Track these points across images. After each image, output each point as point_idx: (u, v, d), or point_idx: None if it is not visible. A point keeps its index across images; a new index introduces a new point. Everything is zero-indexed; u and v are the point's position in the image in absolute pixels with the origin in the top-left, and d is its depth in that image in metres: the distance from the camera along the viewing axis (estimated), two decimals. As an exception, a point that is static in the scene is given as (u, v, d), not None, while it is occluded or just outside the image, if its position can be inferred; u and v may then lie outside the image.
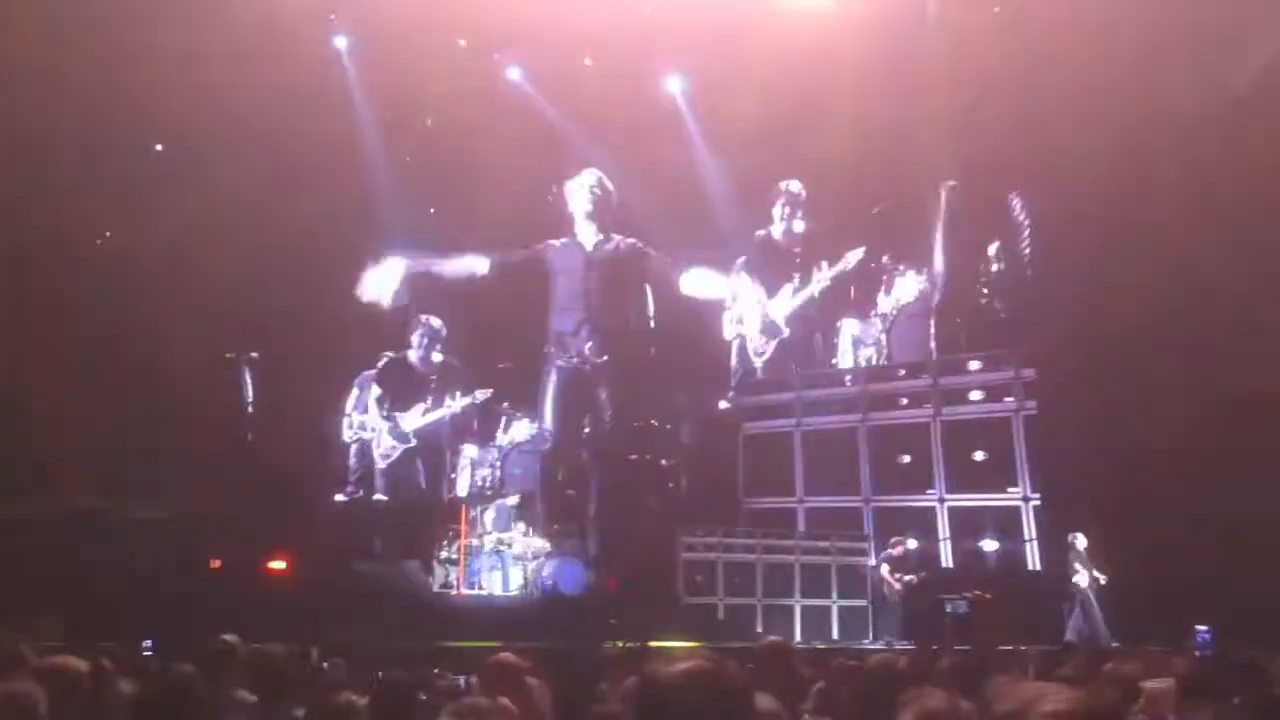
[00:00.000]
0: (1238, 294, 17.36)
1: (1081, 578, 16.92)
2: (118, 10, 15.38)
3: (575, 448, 19.57)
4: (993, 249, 19.65)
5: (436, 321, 19.05)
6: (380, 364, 18.74)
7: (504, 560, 17.28)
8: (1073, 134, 17.47)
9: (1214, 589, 16.24)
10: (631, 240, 20.57)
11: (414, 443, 18.53)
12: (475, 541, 17.53)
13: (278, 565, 15.40)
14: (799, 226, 21.23)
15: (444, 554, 17.38)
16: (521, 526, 17.72)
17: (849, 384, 19.90)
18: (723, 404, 21.27)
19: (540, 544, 17.58)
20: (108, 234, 16.07)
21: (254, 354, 15.72)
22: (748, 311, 21.29)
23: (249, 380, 15.61)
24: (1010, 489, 17.91)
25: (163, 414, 15.37)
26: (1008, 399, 17.99)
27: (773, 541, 18.49)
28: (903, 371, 19.27)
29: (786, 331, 20.91)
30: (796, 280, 21.11)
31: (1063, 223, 18.47)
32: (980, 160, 19.18)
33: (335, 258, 17.93)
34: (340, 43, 19.47)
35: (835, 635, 17.99)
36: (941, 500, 18.40)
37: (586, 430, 19.72)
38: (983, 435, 17.80)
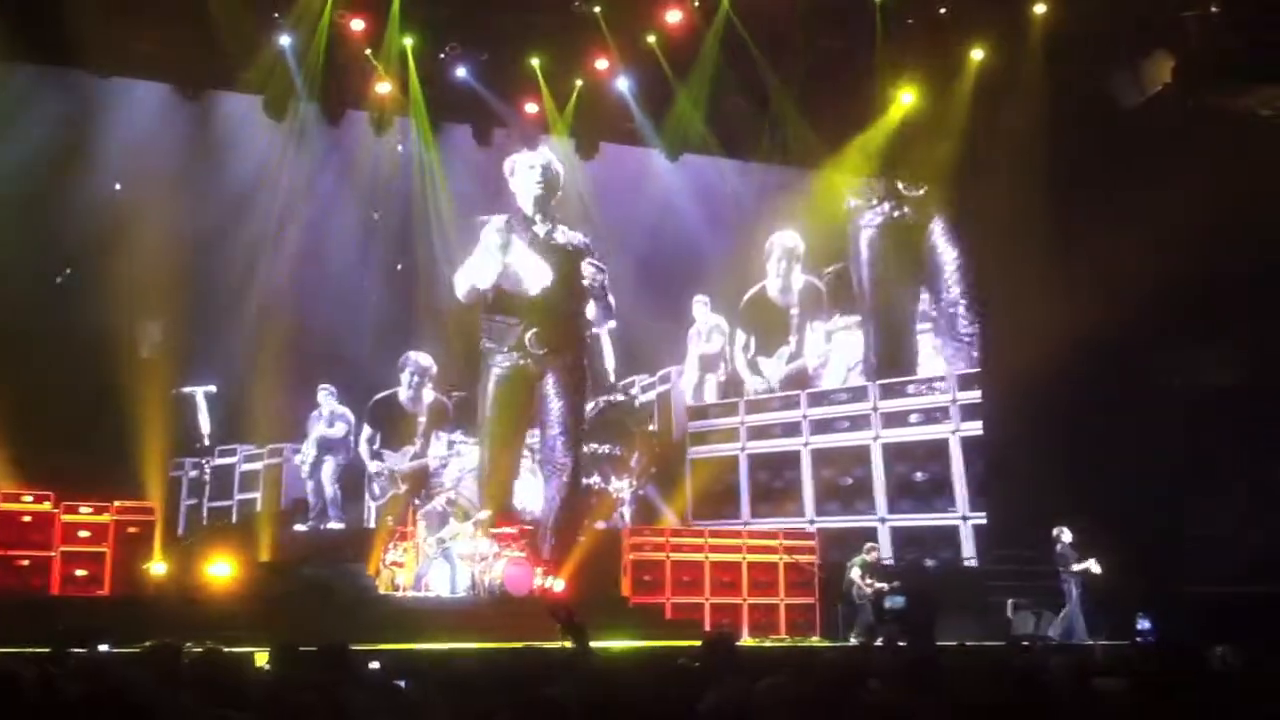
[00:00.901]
0: (1187, 298, 17.72)
1: (1072, 572, 17.23)
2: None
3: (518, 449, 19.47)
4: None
5: (425, 359, 19.10)
6: (370, 403, 18.77)
7: (451, 561, 17.23)
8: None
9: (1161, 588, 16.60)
10: (578, 234, 20.71)
11: (404, 487, 18.67)
12: (421, 544, 17.51)
13: (220, 571, 15.36)
14: (798, 282, 21.20)
15: (390, 556, 17.35)
16: (464, 526, 17.67)
17: (790, 404, 20.24)
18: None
19: (487, 545, 17.54)
20: (68, 270, 16.46)
21: (211, 388, 16.29)
22: (729, 353, 21.27)
23: (205, 412, 16.29)
24: (949, 509, 18.37)
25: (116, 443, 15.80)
26: (946, 421, 18.43)
27: (720, 540, 18.60)
28: (845, 396, 19.59)
29: (778, 388, 20.80)
30: (792, 344, 21.02)
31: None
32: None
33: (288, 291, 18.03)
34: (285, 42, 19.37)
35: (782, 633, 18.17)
36: (882, 519, 18.89)
37: (534, 431, 19.68)
38: (923, 457, 18.31)
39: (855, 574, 17.63)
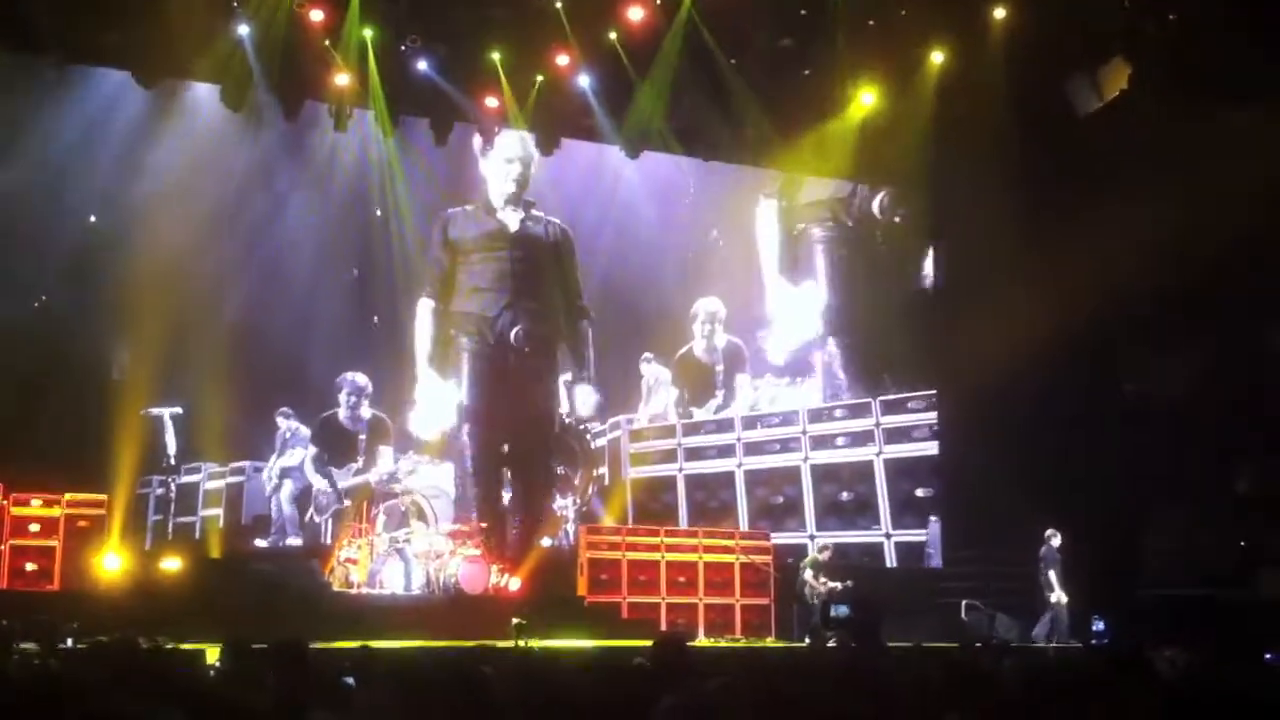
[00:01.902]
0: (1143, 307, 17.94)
1: (1054, 579, 17.40)
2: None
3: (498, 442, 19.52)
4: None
5: (361, 378, 19.09)
6: (315, 423, 18.90)
7: (406, 558, 17.16)
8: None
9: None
10: (557, 221, 20.58)
11: (347, 503, 18.68)
12: (375, 541, 17.44)
13: (171, 566, 15.24)
14: (721, 342, 21.53)
15: (344, 553, 17.26)
16: (420, 525, 17.63)
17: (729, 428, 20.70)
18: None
19: (443, 542, 17.49)
20: (43, 297, 17.02)
21: (178, 409, 16.90)
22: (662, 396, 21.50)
23: (171, 433, 16.88)
24: (873, 527, 18.99)
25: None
26: (871, 445, 19.09)
27: (677, 540, 18.64)
28: (778, 419, 20.16)
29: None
30: (720, 397, 21.38)
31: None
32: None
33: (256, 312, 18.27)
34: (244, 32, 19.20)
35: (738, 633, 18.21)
36: (812, 537, 19.32)
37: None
38: (849, 479, 19.07)
39: (808, 574, 17.72)
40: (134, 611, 13.80)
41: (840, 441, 19.24)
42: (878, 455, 19.00)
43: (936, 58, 19.52)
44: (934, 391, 19.29)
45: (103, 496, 16.30)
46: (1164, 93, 17.53)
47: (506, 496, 19.87)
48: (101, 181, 16.93)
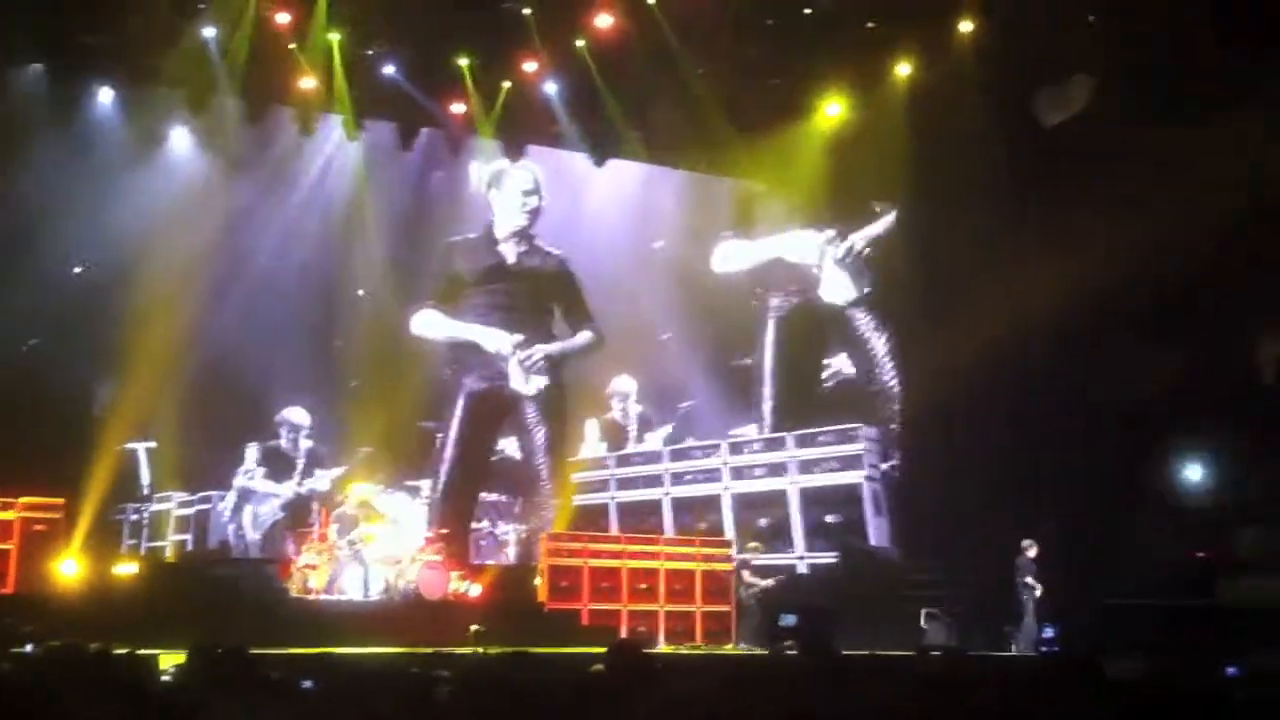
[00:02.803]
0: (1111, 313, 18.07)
1: (1025, 584, 17.49)
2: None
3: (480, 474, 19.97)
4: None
5: (296, 416, 19.31)
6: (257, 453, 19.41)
7: (365, 564, 17.03)
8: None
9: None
10: (556, 252, 20.52)
11: (284, 514, 18.91)
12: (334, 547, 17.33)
13: (127, 570, 15.12)
14: (635, 410, 22.01)
15: (303, 559, 17.15)
16: (379, 529, 17.47)
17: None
18: None
19: (402, 548, 17.35)
20: (34, 341, 17.86)
21: (152, 443, 17.81)
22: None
23: (146, 465, 17.76)
24: (788, 550, 19.77)
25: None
26: (857, 470, 19.78)
27: (637, 547, 18.63)
28: (699, 451, 21.01)
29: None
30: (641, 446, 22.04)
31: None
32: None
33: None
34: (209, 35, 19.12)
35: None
36: (802, 558, 19.73)
37: (516, 456, 20.21)
38: (764, 505, 20.12)
39: (745, 575, 17.88)
40: (89, 616, 13.67)
41: (759, 472, 20.24)
42: (792, 484, 19.92)
43: (903, 70, 19.62)
44: (855, 426, 19.93)
45: (60, 500, 16.15)
46: (1129, 105, 17.65)
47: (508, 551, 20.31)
48: (88, 231, 17.65)
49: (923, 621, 18.18)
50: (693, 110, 20.16)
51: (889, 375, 20.55)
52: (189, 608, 13.92)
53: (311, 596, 16.76)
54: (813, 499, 19.65)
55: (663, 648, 17.10)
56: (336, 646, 13.23)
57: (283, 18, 18.37)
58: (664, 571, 18.43)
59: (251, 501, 19.10)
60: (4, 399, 16.60)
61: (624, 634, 17.04)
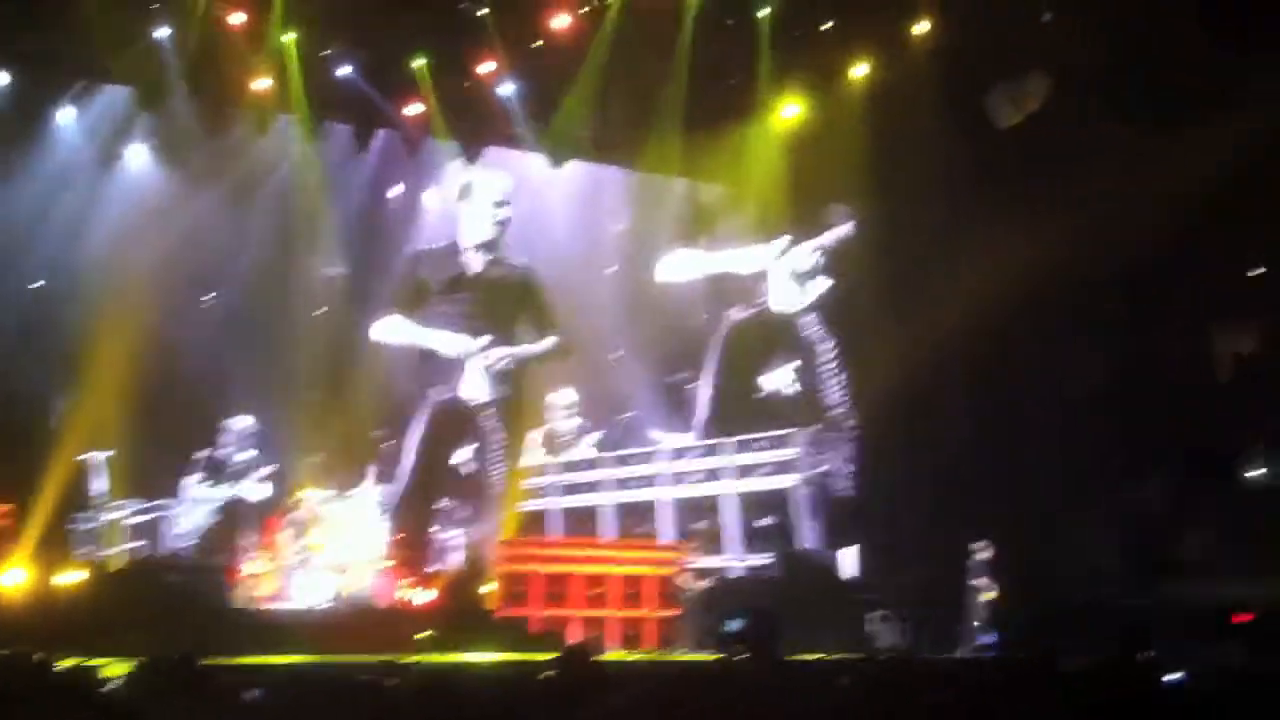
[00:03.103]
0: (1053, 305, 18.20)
1: (982, 589, 17.55)
2: None
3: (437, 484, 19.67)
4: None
5: (240, 424, 19.05)
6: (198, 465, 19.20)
7: (311, 571, 16.87)
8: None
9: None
10: (523, 262, 20.26)
11: (218, 519, 18.71)
12: (281, 554, 17.20)
13: (74, 577, 14.93)
14: (574, 422, 21.83)
15: (251, 566, 16.98)
16: (328, 536, 17.31)
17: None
18: None
19: (353, 556, 17.19)
20: None
21: (109, 453, 17.69)
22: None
23: (102, 475, 17.62)
24: (725, 553, 19.76)
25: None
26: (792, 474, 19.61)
27: (589, 553, 18.56)
28: (639, 457, 20.91)
29: None
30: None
31: None
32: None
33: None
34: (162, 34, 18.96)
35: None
36: (741, 561, 19.47)
37: (471, 464, 19.86)
38: (702, 510, 20.05)
39: (682, 580, 17.94)
40: (35, 625, 13.48)
41: (697, 477, 20.28)
42: (730, 489, 19.96)
43: (860, 70, 19.66)
44: (790, 431, 19.83)
45: (8, 505, 15.95)
46: (1083, 106, 17.79)
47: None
48: (51, 250, 17.99)
49: (873, 624, 18.20)
50: (650, 111, 20.13)
51: (834, 382, 20.73)
52: (136, 615, 13.69)
53: (259, 604, 16.58)
54: (750, 503, 19.74)
55: (613, 654, 16.99)
56: (285, 655, 13.11)
57: (237, 18, 18.20)
58: (615, 577, 18.33)
59: (189, 510, 18.96)
60: None
61: (575, 640, 16.95)
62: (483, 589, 17.58)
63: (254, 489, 18.84)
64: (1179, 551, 18.12)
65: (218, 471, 18.97)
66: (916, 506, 18.84)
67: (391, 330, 19.86)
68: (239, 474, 18.88)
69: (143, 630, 12.49)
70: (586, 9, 18.91)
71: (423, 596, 17.24)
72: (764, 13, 18.86)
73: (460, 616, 16.44)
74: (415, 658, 12.50)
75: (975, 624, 17.68)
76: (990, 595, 17.63)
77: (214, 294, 19.92)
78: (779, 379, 21.26)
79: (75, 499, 17.69)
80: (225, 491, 18.82)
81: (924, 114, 18.45)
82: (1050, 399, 18.96)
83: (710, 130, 20.47)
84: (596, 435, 21.73)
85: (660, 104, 20.00)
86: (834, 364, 20.76)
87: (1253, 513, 17.87)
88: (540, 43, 19.25)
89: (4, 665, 7.52)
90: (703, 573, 18.43)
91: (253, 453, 19.08)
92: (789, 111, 20.48)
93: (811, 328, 20.96)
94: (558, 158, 21.21)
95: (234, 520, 18.46)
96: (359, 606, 16.49)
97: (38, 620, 13.89)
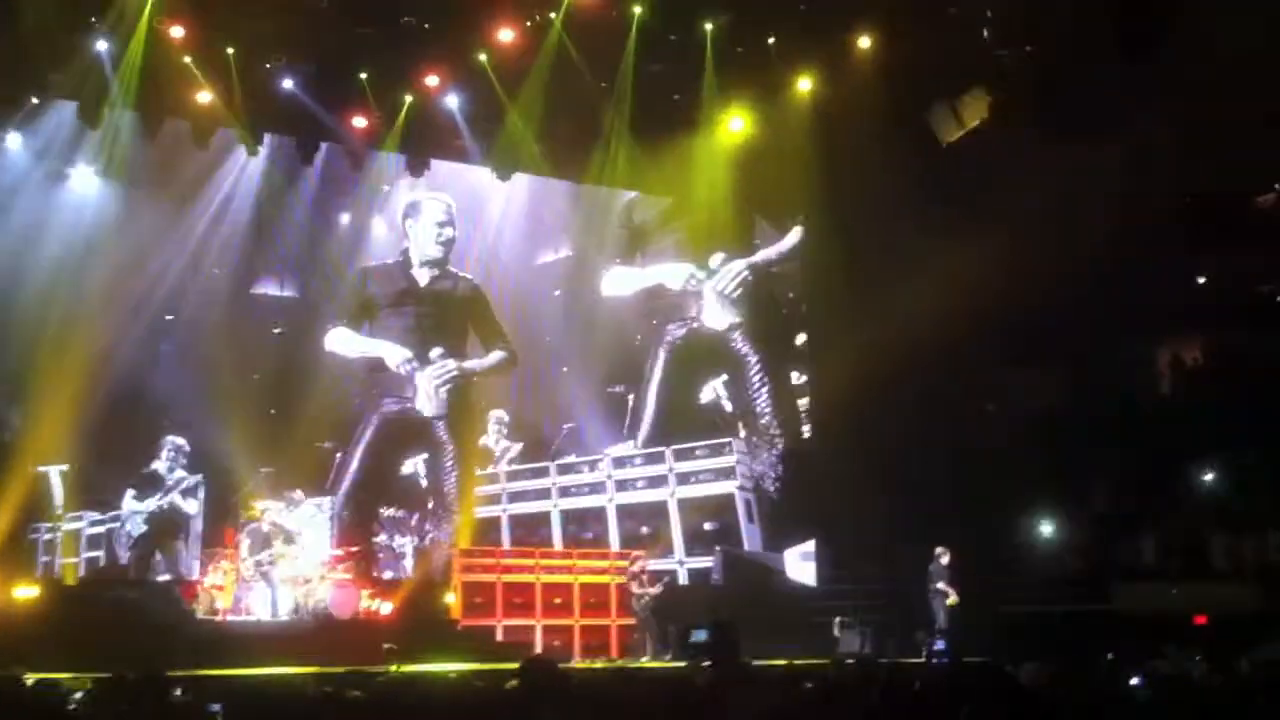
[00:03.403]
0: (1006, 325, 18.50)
1: (936, 589, 17.74)
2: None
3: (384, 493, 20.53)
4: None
5: (181, 440, 19.49)
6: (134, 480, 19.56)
7: (272, 583, 16.84)
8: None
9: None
10: (469, 277, 21.02)
11: (146, 529, 19.03)
12: (240, 566, 17.16)
13: (27, 593, 14.77)
14: (502, 444, 22.62)
15: (209, 580, 16.89)
16: (289, 548, 17.32)
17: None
18: None
19: (311, 568, 17.19)
20: None
21: (64, 466, 18.56)
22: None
23: (58, 487, 18.47)
24: (668, 556, 20.73)
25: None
26: (730, 480, 20.84)
27: (552, 561, 18.62)
28: (639, 459, 21.81)
29: None
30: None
31: None
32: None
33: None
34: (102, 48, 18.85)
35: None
36: (682, 563, 20.60)
37: (421, 473, 20.75)
38: (646, 515, 21.20)
39: (633, 587, 18.07)
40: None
41: (640, 484, 21.30)
42: (671, 496, 20.89)
43: (804, 85, 19.84)
44: (726, 440, 21.06)
45: None
46: (1023, 122, 18.06)
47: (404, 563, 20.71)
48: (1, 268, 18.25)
49: (836, 630, 18.40)
50: (595, 125, 20.21)
51: (761, 394, 21.58)
52: (91, 631, 13.65)
53: (219, 617, 16.52)
54: (690, 508, 20.64)
55: (577, 663, 17.08)
56: (245, 668, 13.05)
57: (177, 31, 18.07)
58: (578, 586, 18.42)
59: (125, 522, 19.25)
60: None
61: (538, 649, 17.02)
62: (445, 599, 17.64)
63: (182, 503, 19.06)
64: (1131, 557, 18.45)
65: (151, 485, 19.16)
66: (871, 513, 19.03)
67: (342, 341, 20.51)
68: (169, 489, 19.07)
69: (100, 646, 12.43)
70: (530, 23, 18.89)
71: (386, 607, 17.26)
72: (708, 28, 18.92)
73: (423, 627, 16.47)
74: (379, 669, 12.50)
75: (935, 628, 17.90)
76: (951, 600, 17.87)
77: (170, 316, 20.25)
78: (713, 391, 22.05)
79: (33, 510, 18.05)
80: (154, 504, 18.97)
81: (867, 128, 18.65)
82: (1000, 408, 19.27)
83: (655, 144, 20.56)
84: (517, 448, 22.41)
85: (605, 118, 20.08)
86: (760, 377, 21.55)
87: (1198, 519, 18.32)
88: (484, 56, 19.23)
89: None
90: (655, 577, 18.59)
91: (181, 471, 19.30)
92: (734, 125, 20.60)
93: (739, 343, 21.78)
94: (504, 170, 21.24)
95: (165, 531, 18.81)
96: (320, 618, 16.46)
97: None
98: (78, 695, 9.36)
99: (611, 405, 22.56)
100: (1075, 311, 18.82)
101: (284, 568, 16.95)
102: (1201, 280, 20.06)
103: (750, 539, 20.56)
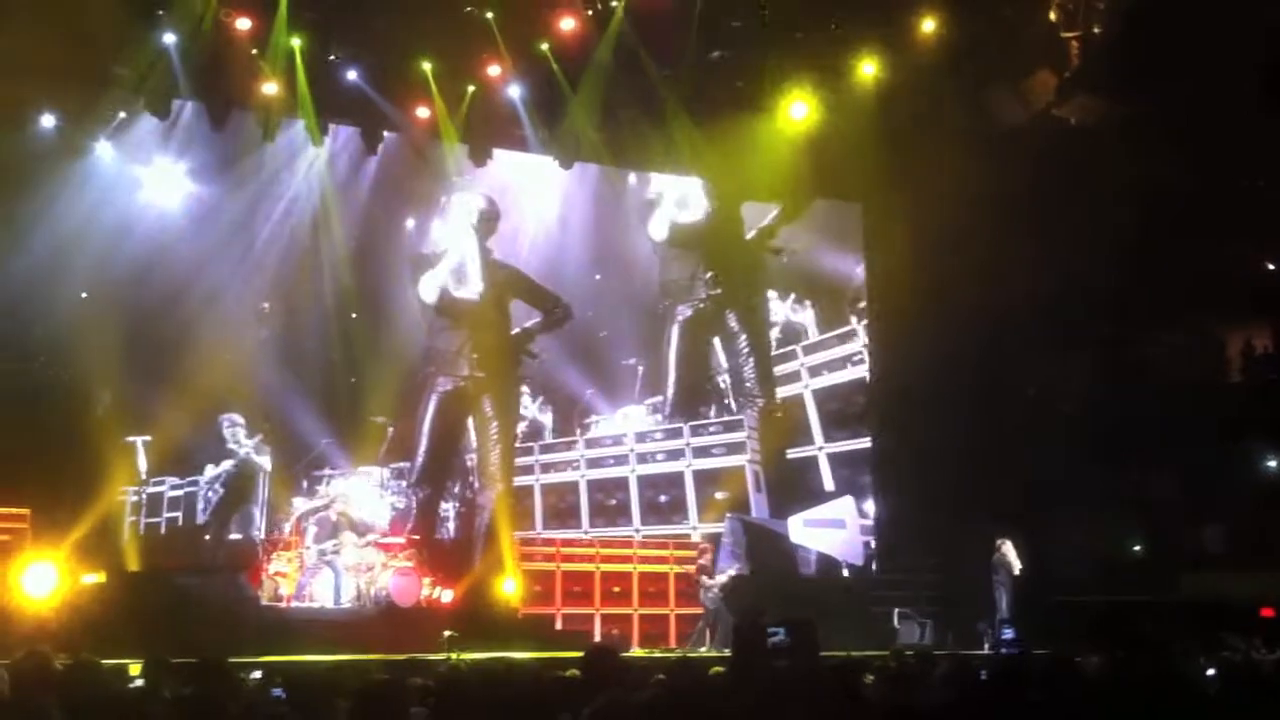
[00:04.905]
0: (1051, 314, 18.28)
1: (1000, 580, 17.64)
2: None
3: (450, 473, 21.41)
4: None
5: (235, 415, 20.41)
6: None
7: (336, 571, 16.99)
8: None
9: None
10: (506, 264, 21.93)
11: (222, 491, 20.09)
12: (304, 554, 17.34)
13: (92, 580, 14.98)
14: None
15: (273, 566, 17.07)
16: (352, 536, 17.49)
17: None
18: None
19: (374, 555, 17.33)
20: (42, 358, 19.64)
21: (148, 437, 19.79)
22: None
23: (143, 455, 19.75)
24: (684, 522, 21.84)
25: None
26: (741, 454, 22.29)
27: (611, 550, 18.63)
28: (659, 434, 22.89)
29: None
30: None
31: None
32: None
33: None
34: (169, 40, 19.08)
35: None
36: (695, 528, 21.60)
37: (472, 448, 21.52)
38: (664, 485, 22.46)
39: (703, 579, 18.08)
40: (55, 626, 13.55)
41: (659, 457, 22.60)
42: (687, 467, 22.19)
43: (867, 69, 19.68)
44: (738, 418, 22.62)
45: (25, 511, 16.01)
46: (1087, 104, 17.83)
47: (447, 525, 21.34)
48: (91, 262, 19.19)
49: (895, 621, 18.28)
50: (657, 113, 20.18)
51: (748, 366, 23.14)
52: (157, 617, 13.82)
53: (282, 604, 16.68)
54: (704, 479, 22.13)
55: (636, 652, 17.07)
56: (308, 654, 13.17)
57: (243, 23, 18.24)
58: (637, 574, 18.43)
59: (205, 488, 20.27)
60: (21, 406, 18.09)
61: (597, 638, 17.03)
62: (505, 588, 17.71)
63: (256, 458, 20.10)
64: (1197, 546, 18.17)
65: (221, 457, 20.23)
66: (928, 500, 18.90)
67: (433, 282, 21.84)
68: (238, 458, 20.12)
69: (166, 632, 12.59)
70: (592, 12, 18.89)
71: (448, 595, 17.37)
72: (769, 14, 18.82)
73: (483, 615, 16.55)
74: (440, 656, 12.56)
75: (998, 620, 17.75)
76: (1011, 591, 17.71)
77: (266, 304, 21.13)
78: (717, 364, 23.47)
79: (124, 476, 19.50)
80: (224, 465, 20.06)
81: (931, 112, 18.47)
82: (1063, 395, 19.02)
83: (717, 130, 20.49)
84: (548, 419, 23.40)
85: (667, 105, 20.04)
86: (748, 350, 22.96)
87: (1268, 508, 18.00)
88: (546, 45, 19.25)
89: (25, 667, 7.54)
90: (710, 569, 18.60)
91: (244, 439, 20.31)
92: (797, 111, 20.47)
93: (733, 321, 23.12)
94: (565, 159, 21.28)
95: (238, 495, 19.93)
96: (382, 606, 16.58)
97: (60, 620, 13.95)
98: (144, 680, 9.51)
99: (625, 375, 23.62)
100: (1145, 297, 18.54)
101: (347, 555, 17.10)
102: (1272, 267, 19.67)
103: (758, 506, 21.91)
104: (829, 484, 22.11)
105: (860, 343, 22.39)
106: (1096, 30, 17.61)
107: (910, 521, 19.61)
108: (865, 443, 21.81)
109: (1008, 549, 17.87)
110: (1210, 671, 8.14)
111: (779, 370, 23.12)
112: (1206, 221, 17.53)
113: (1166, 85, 17.15)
